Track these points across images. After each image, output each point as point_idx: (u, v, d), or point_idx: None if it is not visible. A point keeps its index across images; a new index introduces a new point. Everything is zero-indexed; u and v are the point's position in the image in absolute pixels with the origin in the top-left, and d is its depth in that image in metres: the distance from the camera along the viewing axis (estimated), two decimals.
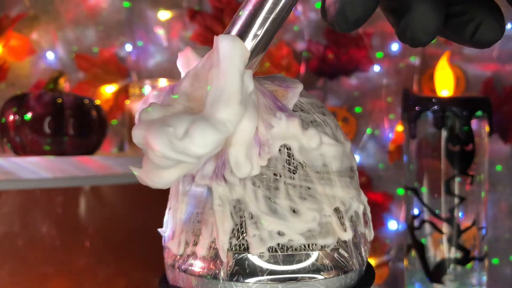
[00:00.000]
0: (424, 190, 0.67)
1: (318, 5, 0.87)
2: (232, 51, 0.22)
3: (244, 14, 0.23)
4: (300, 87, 0.25)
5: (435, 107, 0.65)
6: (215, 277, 0.23)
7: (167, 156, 0.21)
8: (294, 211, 0.23)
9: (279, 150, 0.24)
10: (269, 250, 0.23)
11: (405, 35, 0.22)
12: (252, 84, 0.22)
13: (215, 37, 0.23)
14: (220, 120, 0.21)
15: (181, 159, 0.21)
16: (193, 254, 0.24)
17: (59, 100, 0.62)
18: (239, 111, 0.22)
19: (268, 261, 0.23)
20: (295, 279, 0.23)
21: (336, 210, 0.24)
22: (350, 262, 0.24)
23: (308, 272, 0.23)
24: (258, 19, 0.23)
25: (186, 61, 0.25)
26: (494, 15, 0.21)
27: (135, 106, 0.21)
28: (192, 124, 0.21)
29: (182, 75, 0.25)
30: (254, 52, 0.23)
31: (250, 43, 0.23)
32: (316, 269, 0.23)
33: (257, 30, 0.23)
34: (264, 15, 0.23)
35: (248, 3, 0.23)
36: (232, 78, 0.22)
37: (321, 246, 0.23)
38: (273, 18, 0.23)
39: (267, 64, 0.87)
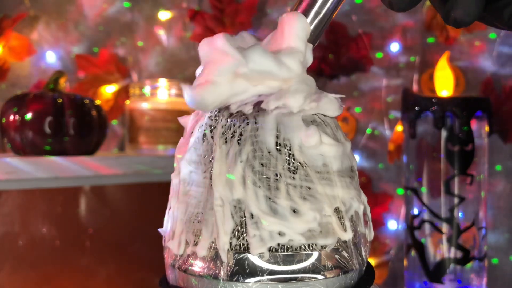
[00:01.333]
0: (424, 190, 0.67)
1: None
2: (296, 25, 0.25)
3: None
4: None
5: (435, 107, 0.65)
6: (215, 277, 0.23)
7: (228, 51, 0.24)
8: (294, 211, 0.23)
9: (279, 150, 0.24)
10: (269, 250, 0.23)
11: (449, 16, 0.24)
12: (311, 58, 0.25)
13: (280, 17, 0.26)
14: (282, 61, 0.24)
15: (237, 62, 0.23)
16: (193, 254, 0.24)
17: (59, 100, 0.62)
18: (299, 67, 0.24)
19: (268, 261, 0.23)
20: (295, 279, 0.23)
21: (336, 210, 0.24)
22: (350, 262, 0.24)
23: (308, 272, 0.23)
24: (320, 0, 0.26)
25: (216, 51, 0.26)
26: None
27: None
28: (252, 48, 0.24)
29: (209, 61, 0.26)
30: (315, 28, 0.26)
31: (312, 20, 0.26)
32: (316, 269, 0.23)
33: (318, 9, 0.26)
34: None
35: None
36: (297, 45, 0.25)
37: (321, 246, 0.23)
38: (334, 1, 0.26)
39: None
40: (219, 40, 0.24)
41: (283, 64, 0.24)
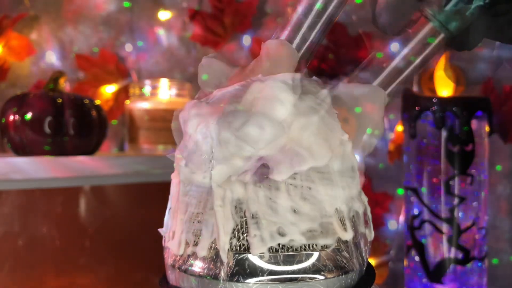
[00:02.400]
0: (424, 190, 0.67)
1: (319, 5, 0.87)
2: (280, 53, 0.23)
3: (293, 18, 0.25)
4: None
5: (435, 107, 0.65)
6: (216, 277, 0.23)
7: (227, 140, 0.22)
8: (295, 211, 0.23)
9: None
10: (269, 251, 0.23)
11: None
12: (300, 89, 0.23)
13: (262, 43, 0.24)
14: (276, 119, 0.22)
15: (241, 145, 0.22)
16: (194, 254, 0.24)
17: (59, 100, 0.62)
18: (292, 112, 0.22)
19: (269, 262, 0.23)
20: (296, 279, 0.23)
21: (337, 210, 0.24)
22: (351, 262, 0.24)
23: (309, 272, 0.23)
24: (306, 23, 0.24)
25: (212, 70, 0.25)
26: None
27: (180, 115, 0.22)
28: (250, 117, 0.22)
29: (210, 81, 0.25)
30: (303, 54, 0.25)
31: (299, 46, 0.24)
32: (316, 269, 0.23)
33: (305, 34, 0.24)
34: (313, 18, 0.23)
35: (297, 7, 0.25)
36: (283, 80, 0.22)
37: (322, 246, 0.23)
38: (322, 21, 0.25)
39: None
40: (215, 130, 0.22)
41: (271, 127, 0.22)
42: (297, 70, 0.24)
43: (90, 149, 0.65)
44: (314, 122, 0.23)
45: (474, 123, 0.65)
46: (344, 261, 0.24)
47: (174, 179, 0.27)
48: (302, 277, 0.23)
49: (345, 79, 0.25)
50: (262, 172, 0.23)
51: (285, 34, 0.24)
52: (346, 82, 0.24)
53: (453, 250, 0.65)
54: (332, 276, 0.24)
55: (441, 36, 0.24)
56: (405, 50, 0.24)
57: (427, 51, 0.25)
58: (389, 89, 0.25)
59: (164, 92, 0.76)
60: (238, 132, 0.21)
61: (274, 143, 0.22)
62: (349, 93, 0.23)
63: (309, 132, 0.23)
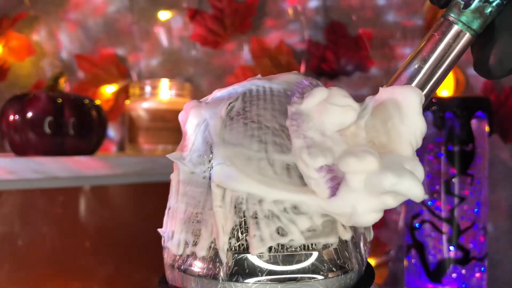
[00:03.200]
0: (424, 190, 0.67)
1: (319, 5, 0.87)
2: (415, 101, 0.25)
3: (424, 66, 0.27)
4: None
5: (435, 107, 0.65)
6: (215, 277, 0.23)
7: (417, 196, 0.23)
8: (295, 209, 0.23)
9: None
10: (269, 250, 0.23)
11: (483, 66, 0.27)
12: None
13: (383, 89, 0.26)
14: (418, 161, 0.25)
15: (420, 195, 0.23)
16: (193, 254, 0.24)
17: (59, 100, 0.62)
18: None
19: (268, 261, 0.23)
20: (295, 279, 0.23)
21: None
22: (350, 262, 0.24)
23: (308, 272, 0.23)
24: (438, 74, 0.27)
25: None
26: None
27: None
28: (414, 166, 0.25)
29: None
30: (426, 97, 0.27)
31: (427, 93, 0.27)
32: (315, 269, 0.23)
33: (432, 81, 0.27)
34: (444, 70, 0.27)
35: (430, 53, 0.27)
36: (420, 126, 0.26)
37: (321, 246, 0.23)
38: (446, 66, 0.27)
39: (267, 64, 0.87)
40: None
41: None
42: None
43: (90, 149, 0.65)
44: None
45: (474, 123, 0.65)
46: (344, 261, 0.24)
47: (174, 179, 0.27)
48: (301, 277, 0.23)
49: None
50: None
51: (418, 82, 0.27)
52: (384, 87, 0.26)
53: (453, 250, 0.65)
54: (331, 276, 0.24)
55: (467, 35, 0.27)
56: (435, 54, 0.27)
57: (454, 52, 0.27)
58: (424, 91, 0.27)
59: (164, 92, 0.76)
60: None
61: None
62: (391, 97, 0.25)
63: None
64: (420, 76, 0.27)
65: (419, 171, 0.24)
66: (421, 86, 0.27)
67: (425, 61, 0.27)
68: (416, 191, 0.23)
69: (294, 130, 0.24)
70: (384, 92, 0.26)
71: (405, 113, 0.25)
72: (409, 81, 0.27)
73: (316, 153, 0.23)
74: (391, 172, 0.22)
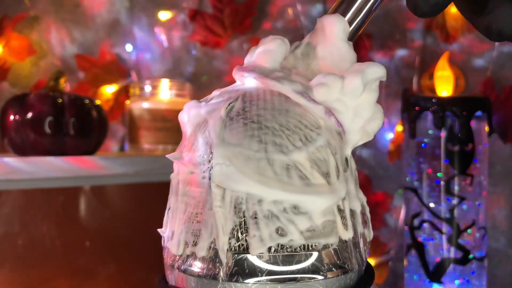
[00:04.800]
0: (424, 190, 0.67)
1: (319, 5, 0.87)
2: (336, 27, 0.27)
3: None
4: None
5: (435, 107, 0.65)
6: (215, 277, 0.23)
7: (382, 74, 0.25)
8: (295, 209, 0.23)
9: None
10: (268, 251, 0.23)
11: (491, 30, 0.25)
12: (355, 54, 0.27)
13: (318, 19, 0.28)
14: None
15: (383, 72, 0.26)
16: (193, 255, 0.24)
17: (60, 100, 0.62)
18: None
19: (268, 262, 0.23)
20: (295, 279, 0.23)
21: (339, 209, 0.24)
22: (350, 262, 0.24)
23: (308, 273, 0.23)
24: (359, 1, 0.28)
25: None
26: None
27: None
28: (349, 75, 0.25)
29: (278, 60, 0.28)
30: (354, 27, 0.28)
31: (351, 19, 0.28)
32: (315, 269, 0.23)
33: (357, 9, 0.28)
34: None
35: None
36: (342, 47, 0.27)
37: (321, 247, 0.23)
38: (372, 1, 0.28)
39: None
40: None
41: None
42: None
43: (90, 149, 0.65)
44: None
45: (474, 123, 0.65)
46: (344, 261, 0.24)
47: (174, 179, 0.27)
48: (301, 277, 0.23)
49: None
50: None
51: (341, 9, 0.28)
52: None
53: (453, 250, 0.65)
54: (331, 276, 0.24)
55: None
56: None
57: None
58: (350, 18, 0.28)
59: (164, 92, 0.76)
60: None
61: None
62: (319, 26, 0.28)
63: None
64: (351, 6, 0.28)
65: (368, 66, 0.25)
66: (351, 18, 0.28)
67: None
68: (380, 73, 0.25)
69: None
70: (318, 22, 0.28)
71: (329, 38, 0.27)
72: (342, 12, 0.28)
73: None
74: (352, 76, 0.25)
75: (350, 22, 0.28)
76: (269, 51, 0.28)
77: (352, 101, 0.25)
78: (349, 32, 0.28)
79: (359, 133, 0.26)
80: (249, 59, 0.29)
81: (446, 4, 0.25)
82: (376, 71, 0.25)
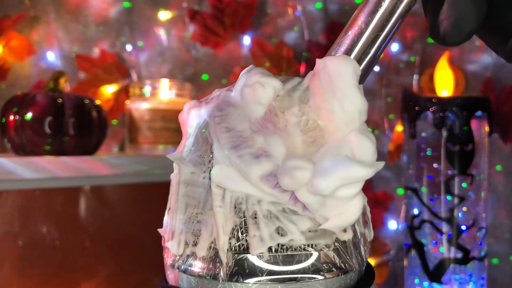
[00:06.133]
0: (424, 190, 0.67)
1: (319, 5, 0.87)
2: (345, 70, 0.22)
3: (352, 33, 0.23)
4: None
5: (435, 107, 0.65)
6: (215, 277, 0.23)
7: (361, 176, 0.21)
8: (294, 211, 0.23)
9: None
10: (269, 251, 0.23)
11: (436, 31, 0.23)
12: (366, 103, 0.23)
13: (318, 60, 0.23)
14: (367, 130, 0.22)
15: (371, 172, 0.21)
16: (193, 255, 0.24)
17: (60, 100, 0.62)
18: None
19: (268, 262, 0.23)
20: (295, 279, 0.23)
21: None
22: (350, 262, 0.24)
23: (308, 273, 0.23)
24: (366, 37, 0.23)
25: (274, 92, 0.23)
26: None
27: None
28: (355, 142, 0.22)
29: (264, 106, 0.23)
30: (365, 68, 0.24)
31: (359, 60, 0.23)
32: (316, 269, 0.23)
33: (365, 48, 0.23)
34: (373, 33, 0.23)
35: (355, 22, 0.24)
36: (353, 95, 0.22)
37: (321, 247, 0.23)
38: (383, 35, 0.24)
39: (267, 64, 0.87)
40: None
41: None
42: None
43: (90, 149, 0.65)
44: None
45: (474, 123, 0.65)
46: (344, 261, 0.24)
47: (174, 179, 0.27)
48: (301, 277, 0.23)
49: None
50: None
51: (345, 48, 0.23)
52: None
53: (453, 250, 0.65)
54: (331, 276, 0.24)
55: (405, 1, 0.23)
56: (374, 21, 0.23)
57: (394, 17, 0.23)
58: (362, 61, 0.23)
59: (164, 92, 0.76)
60: None
61: None
62: (324, 69, 0.22)
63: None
64: (357, 44, 0.23)
65: (361, 151, 0.22)
66: (359, 56, 0.23)
67: (362, 28, 0.23)
68: (359, 175, 0.21)
69: (216, 122, 0.23)
70: (319, 64, 0.23)
71: (337, 86, 0.22)
72: (347, 51, 0.23)
73: (252, 160, 0.22)
74: (321, 177, 0.21)
75: (359, 62, 0.23)
76: (246, 104, 0.23)
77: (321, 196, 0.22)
78: (360, 74, 0.23)
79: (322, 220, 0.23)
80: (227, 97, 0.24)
81: (478, 29, 0.22)
82: (357, 172, 0.21)
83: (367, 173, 0.21)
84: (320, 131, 0.23)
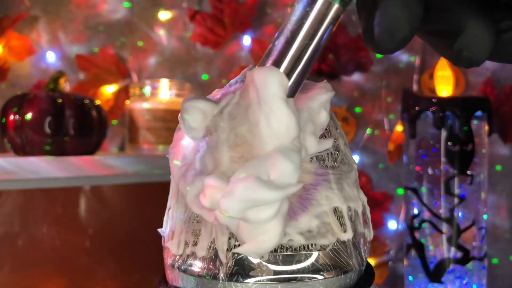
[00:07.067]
0: (424, 190, 0.67)
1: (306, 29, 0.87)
2: (270, 82, 0.21)
3: (280, 42, 0.22)
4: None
5: (435, 107, 0.65)
6: (215, 277, 0.23)
7: (268, 199, 0.20)
8: (294, 211, 0.23)
9: None
10: None
11: (461, 55, 0.22)
12: (297, 112, 0.22)
13: (247, 72, 0.22)
14: (292, 149, 0.21)
15: (279, 195, 0.20)
16: (193, 254, 0.24)
17: (59, 100, 0.62)
18: (298, 135, 0.21)
19: (268, 261, 0.23)
20: (295, 279, 0.23)
21: (335, 210, 0.24)
22: (350, 262, 0.24)
23: (308, 272, 0.23)
24: (295, 47, 0.22)
25: (202, 115, 0.23)
26: None
27: (182, 173, 0.21)
28: (273, 162, 0.20)
29: (198, 130, 0.23)
30: (294, 80, 0.22)
31: (288, 72, 0.22)
32: (315, 269, 0.23)
33: (295, 59, 0.22)
34: (303, 41, 0.22)
35: (284, 31, 0.22)
36: (278, 109, 0.21)
37: (321, 246, 0.23)
38: (314, 44, 0.22)
39: None
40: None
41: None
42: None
43: (90, 149, 0.65)
44: None
45: (474, 123, 0.65)
46: (343, 261, 0.24)
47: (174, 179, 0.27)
48: (301, 277, 0.23)
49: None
50: None
51: (272, 59, 0.22)
52: None
53: (453, 250, 0.65)
54: (331, 276, 0.24)
55: (335, 6, 0.22)
56: (303, 30, 0.22)
57: (323, 26, 0.22)
58: (292, 72, 0.22)
59: (164, 92, 0.76)
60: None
61: None
62: (251, 80, 0.22)
63: None
64: (286, 54, 0.22)
65: (277, 172, 0.20)
66: (288, 68, 0.22)
67: (289, 37, 0.22)
68: (265, 197, 0.20)
69: (170, 159, 0.24)
70: (248, 76, 0.22)
71: (263, 99, 0.21)
72: (275, 62, 0.22)
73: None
74: (226, 197, 0.20)
75: (288, 75, 0.22)
76: (182, 127, 0.23)
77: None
78: (288, 86, 0.22)
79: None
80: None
81: (413, 36, 0.21)
82: (263, 194, 0.20)
83: (274, 196, 0.20)
84: (248, 147, 0.22)
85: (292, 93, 0.22)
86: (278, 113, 0.21)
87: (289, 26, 0.22)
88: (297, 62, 0.22)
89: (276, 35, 0.23)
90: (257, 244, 0.21)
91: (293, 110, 0.21)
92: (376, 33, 0.21)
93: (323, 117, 0.23)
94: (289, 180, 0.20)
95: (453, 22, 0.22)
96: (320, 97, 0.23)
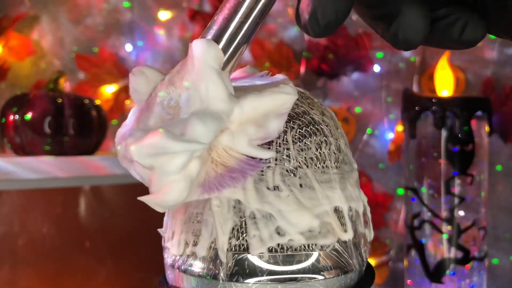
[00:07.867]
0: (424, 190, 0.67)
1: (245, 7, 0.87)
2: (206, 53, 0.22)
3: (219, 18, 0.23)
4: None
5: (435, 107, 0.65)
6: (215, 277, 0.23)
7: (171, 148, 0.21)
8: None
9: (279, 150, 0.24)
10: (269, 251, 0.23)
11: (397, 37, 0.23)
12: (231, 86, 0.23)
13: (189, 43, 0.23)
14: (211, 115, 0.22)
15: (182, 147, 0.21)
16: (193, 255, 0.24)
17: (59, 100, 0.62)
18: (230, 104, 0.22)
19: (268, 262, 0.23)
20: (295, 279, 0.23)
21: (336, 210, 0.24)
22: (350, 262, 0.24)
23: (308, 273, 0.23)
24: (233, 24, 0.23)
25: (145, 80, 0.25)
26: (476, 14, 0.22)
27: (117, 134, 0.23)
28: (188, 121, 0.21)
29: (140, 93, 0.25)
30: (229, 55, 0.24)
31: (225, 46, 0.23)
32: (316, 269, 0.23)
33: (232, 35, 0.23)
34: (239, 19, 0.23)
35: (224, 7, 0.24)
36: (209, 77, 0.22)
37: (321, 246, 0.23)
38: (249, 22, 0.24)
39: (267, 64, 0.87)
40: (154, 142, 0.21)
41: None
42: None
43: (90, 149, 0.65)
44: None
45: (474, 123, 0.65)
46: (344, 261, 0.24)
47: None
48: (301, 277, 0.23)
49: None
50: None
51: (211, 33, 0.23)
52: None
53: (453, 250, 0.65)
54: (331, 276, 0.24)
55: None
56: (242, 8, 0.23)
57: (260, 4, 0.23)
58: (224, 44, 0.23)
59: None
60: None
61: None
62: (189, 51, 0.23)
63: None
64: (225, 30, 0.23)
65: (188, 129, 0.21)
66: (225, 44, 0.23)
67: (227, 14, 0.23)
68: (168, 146, 0.21)
69: None
70: (189, 47, 0.23)
71: (198, 68, 0.22)
72: (214, 36, 0.23)
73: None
74: (133, 140, 0.22)
75: (224, 50, 0.23)
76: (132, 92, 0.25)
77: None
78: (223, 59, 0.23)
79: None
80: None
81: (341, 21, 0.22)
82: (166, 143, 0.21)
83: (177, 147, 0.21)
84: (179, 110, 0.23)
85: (226, 67, 0.23)
86: (209, 82, 0.22)
87: (229, 3, 0.24)
88: (233, 38, 0.23)
89: (219, 7, 0.24)
90: (160, 195, 0.22)
91: (225, 82, 0.22)
92: (303, 17, 0.23)
93: (273, 125, 0.23)
94: (196, 138, 0.21)
95: (392, 7, 0.23)
96: (279, 98, 0.23)
